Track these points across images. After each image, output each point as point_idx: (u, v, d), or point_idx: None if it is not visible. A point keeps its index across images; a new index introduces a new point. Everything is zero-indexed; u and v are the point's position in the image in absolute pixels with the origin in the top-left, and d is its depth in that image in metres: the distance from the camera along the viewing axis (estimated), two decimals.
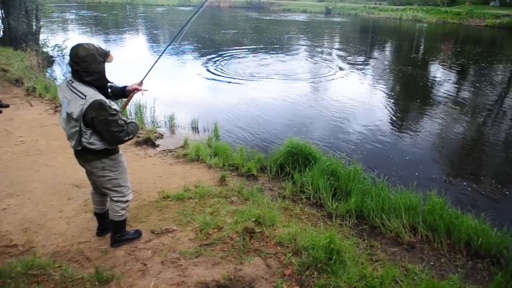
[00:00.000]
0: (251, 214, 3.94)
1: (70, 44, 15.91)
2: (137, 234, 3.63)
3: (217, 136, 7.23)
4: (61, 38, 18.20)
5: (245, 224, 3.75)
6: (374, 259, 3.64)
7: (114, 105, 2.94)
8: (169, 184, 4.85)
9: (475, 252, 3.88)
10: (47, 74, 11.76)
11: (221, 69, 14.08)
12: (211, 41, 22.14)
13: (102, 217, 3.55)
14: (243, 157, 5.82)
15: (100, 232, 3.63)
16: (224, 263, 3.26)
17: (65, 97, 2.84)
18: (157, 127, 7.48)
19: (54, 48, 15.23)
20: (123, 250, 3.42)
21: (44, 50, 14.50)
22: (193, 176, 5.22)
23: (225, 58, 16.36)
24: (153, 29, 30.45)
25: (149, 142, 6.47)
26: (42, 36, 15.72)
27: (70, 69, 2.86)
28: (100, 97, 2.82)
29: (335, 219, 4.38)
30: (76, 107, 2.75)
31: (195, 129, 7.72)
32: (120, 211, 3.29)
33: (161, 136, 7.05)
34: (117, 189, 3.20)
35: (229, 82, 12.27)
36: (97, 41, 21.08)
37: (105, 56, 2.88)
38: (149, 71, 3.61)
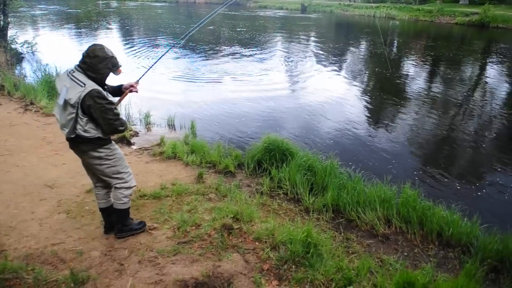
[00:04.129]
0: (229, 211, 3.95)
1: (40, 40, 15.51)
2: (142, 225, 3.68)
3: (194, 134, 7.16)
4: (31, 34, 17.62)
5: (223, 220, 3.76)
6: (350, 252, 3.72)
7: (110, 97, 3.11)
8: (146, 183, 4.78)
9: (447, 242, 4.02)
10: (16, 71, 11.37)
11: (194, 66, 13.98)
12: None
13: (107, 212, 3.54)
14: (221, 154, 5.80)
15: (107, 229, 3.62)
16: (202, 260, 3.26)
17: (64, 85, 2.94)
18: (132, 125, 7.35)
19: (24, 44, 14.72)
20: (99, 250, 3.36)
21: (13, 46, 13.98)
22: (170, 174, 5.17)
23: (198, 55, 16.24)
24: (125, 25, 29.84)
25: (124, 141, 6.37)
26: (10, 32, 15.13)
27: (79, 60, 3.00)
28: (98, 87, 2.97)
29: (312, 213, 4.44)
30: (75, 93, 2.86)
31: (171, 126, 7.64)
32: (123, 199, 3.35)
33: (136, 134, 6.93)
34: (117, 176, 3.28)
35: (203, 79, 12.20)
36: (68, 37, 20.55)
37: (114, 66, 3.08)
38: (147, 71, 3.77)
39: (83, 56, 2.97)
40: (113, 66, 3.06)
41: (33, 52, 14.67)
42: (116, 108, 3.08)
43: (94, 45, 3.00)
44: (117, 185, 3.30)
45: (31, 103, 7.84)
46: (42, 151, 5.50)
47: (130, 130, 6.83)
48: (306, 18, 40.34)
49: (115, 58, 3.07)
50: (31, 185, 4.56)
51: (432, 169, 6.32)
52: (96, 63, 2.93)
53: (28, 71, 11.68)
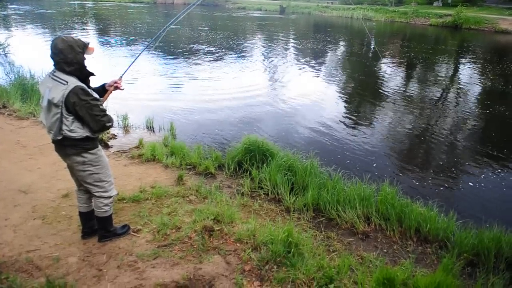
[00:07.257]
0: (209, 212, 3.93)
1: (13, 41, 15.08)
2: (125, 229, 3.62)
3: (173, 135, 7.09)
4: (3, 35, 17.13)
5: (204, 222, 3.73)
6: (331, 250, 3.75)
7: (95, 94, 3.01)
8: (124, 186, 4.70)
9: (424, 238, 4.12)
10: None
11: (171, 68, 13.87)
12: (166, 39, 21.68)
13: (86, 216, 3.46)
14: (201, 155, 5.76)
15: (85, 234, 3.53)
16: (183, 263, 3.23)
17: (47, 86, 2.89)
18: None
19: None
20: (76, 256, 3.28)
21: None
22: (149, 177, 5.10)
23: (174, 57, 16.11)
24: (100, 25, 29.32)
25: (102, 143, 6.23)
26: None
27: (52, 61, 2.92)
28: (82, 84, 2.91)
29: (293, 213, 4.46)
30: (58, 92, 2.81)
31: (150, 128, 7.53)
32: (103, 207, 3.29)
33: (114, 136, 6.80)
34: (98, 184, 3.19)
35: (181, 81, 12.11)
36: (42, 38, 20.03)
37: (84, 47, 2.94)
38: (128, 67, 3.71)
39: (52, 57, 2.89)
40: (82, 47, 2.92)
41: (5, 53, 14.26)
42: (101, 104, 3.02)
43: (53, 41, 2.87)
44: (97, 194, 3.23)
45: (4, 106, 7.60)
46: (16, 156, 5.34)
47: (107, 132, 6.69)
48: (285, 19, 40.59)
49: (79, 40, 2.93)
50: (5, 190, 4.41)
51: (410, 167, 6.46)
52: (65, 55, 2.82)
53: (0, 73, 11.33)
